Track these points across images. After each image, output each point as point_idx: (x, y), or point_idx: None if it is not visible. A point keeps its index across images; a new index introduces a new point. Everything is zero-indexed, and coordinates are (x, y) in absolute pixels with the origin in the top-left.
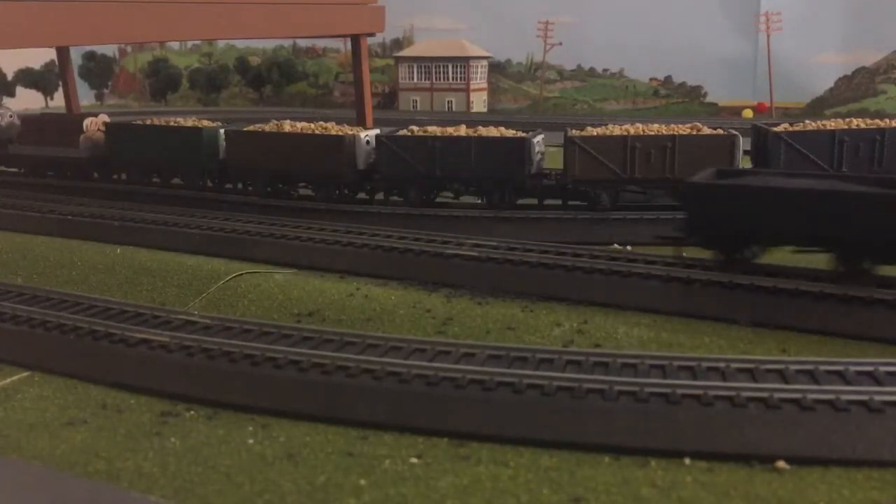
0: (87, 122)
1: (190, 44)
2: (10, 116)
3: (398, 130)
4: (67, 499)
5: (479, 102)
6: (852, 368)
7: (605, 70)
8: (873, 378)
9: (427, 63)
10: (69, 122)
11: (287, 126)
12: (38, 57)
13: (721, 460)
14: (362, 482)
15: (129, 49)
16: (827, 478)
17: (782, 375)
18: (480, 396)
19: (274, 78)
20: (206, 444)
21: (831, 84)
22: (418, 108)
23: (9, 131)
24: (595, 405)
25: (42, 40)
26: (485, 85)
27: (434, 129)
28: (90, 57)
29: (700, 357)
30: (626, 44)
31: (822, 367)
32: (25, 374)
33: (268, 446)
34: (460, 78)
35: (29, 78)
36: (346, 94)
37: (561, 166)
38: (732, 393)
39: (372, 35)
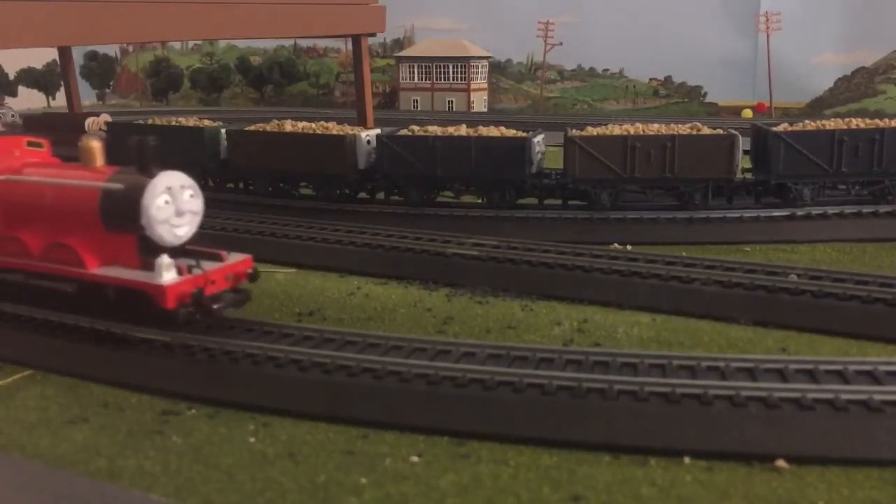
0: (88, 121)
1: (191, 44)
2: (13, 116)
3: (399, 130)
4: (69, 497)
5: (480, 102)
6: (851, 367)
7: (605, 70)
8: (873, 377)
9: (428, 63)
10: (71, 121)
11: (288, 126)
12: (40, 56)
13: (721, 459)
14: (363, 480)
15: (130, 49)
16: (826, 477)
17: (782, 374)
18: (481, 395)
19: (275, 78)
20: (208, 442)
21: (831, 84)
22: (419, 108)
23: (11, 130)
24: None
25: (44, 40)
26: (485, 85)
27: (434, 129)
28: (92, 56)
29: (700, 356)
30: (627, 44)
31: (822, 367)
32: (27, 372)
33: (269, 445)
34: (461, 78)
35: (31, 77)
36: (347, 94)
37: (561, 166)
38: (732, 392)
39: (373, 35)
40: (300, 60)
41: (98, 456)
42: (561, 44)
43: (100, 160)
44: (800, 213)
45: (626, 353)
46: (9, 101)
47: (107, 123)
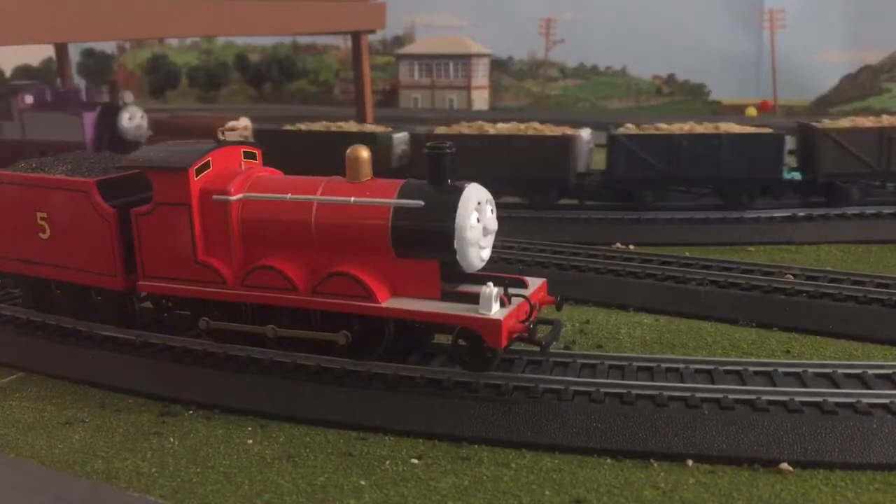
0: (227, 125)
1: (189, 40)
2: (141, 117)
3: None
4: (65, 498)
5: (481, 100)
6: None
7: (607, 68)
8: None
9: (428, 60)
10: (206, 126)
11: (491, 128)
12: (37, 53)
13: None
14: (362, 483)
15: (127, 46)
16: (830, 480)
17: (800, 379)
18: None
19: (274, 75)
20: (205, 444)
21: (836, 82)
22: (419, 106)
23: (137, 133)
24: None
25: (40, 37)
26: (486, 83)
27: (487, 126)
28: (89, 54)
29: (716, 360)
30: (629, 41)
31: (841, 371)
32: (23, 373)
33: (267, 447)
34: (461, 75)
35: (27, 74)
36: (346, 91)
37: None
38: (753, 396)
39: (372, 32)
40: (299, 58)
41: (95, 457)
42: (563, 41)
43: (369, 172)
44: (801, 213)
45: (643, 357)
46: None
47: (255, 130)
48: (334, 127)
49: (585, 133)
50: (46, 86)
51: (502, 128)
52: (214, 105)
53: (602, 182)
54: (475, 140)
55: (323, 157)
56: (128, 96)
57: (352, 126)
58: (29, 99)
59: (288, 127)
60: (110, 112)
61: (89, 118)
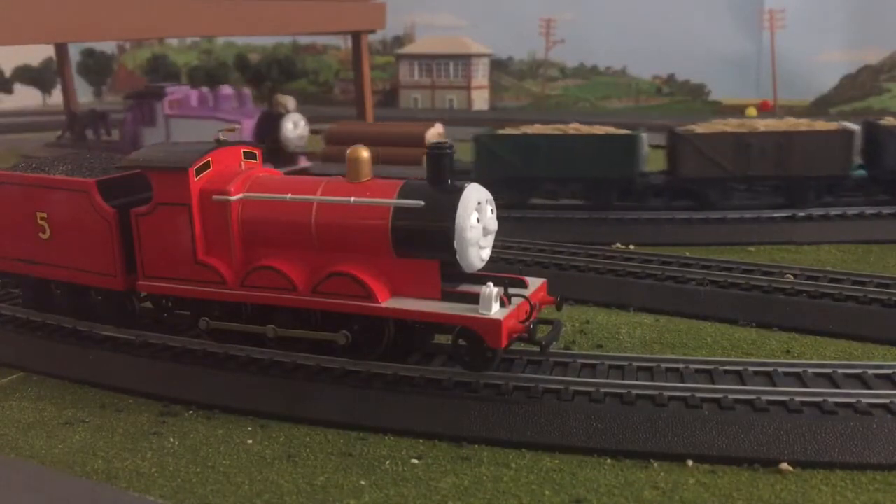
0: (429, 133)
1: (189, 40)
2: (304, 126)
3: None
4: (65, 499)
5: (481, 100)
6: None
7: (607, 68)
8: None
9: (428, 60)
10: (405, 134)
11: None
12: (37, 53)
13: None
14: (362, 483)
15: (127, 46)
16: (831, 480)
17: (800, 379)
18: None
19: (274, 75)
20: (205, 443)
21: (836, 82)
22: (419, 106)
23: (299, 143)
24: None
25: (40, 37)
26: (486, 83)
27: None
28: (89, 53)
29: (716, 360)
30: (629, 41)
31: (841, 371)
32: (23, 373)
33: (267, 446)
34: (461, 75)
35: (27, 75)
36: (346, 91)
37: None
38: (753, 396)
39: (372, 32)
40: (299, 58)
41: (95, 457)
42: (563, 41)
43: (369, 172)
44: (801, 213)
45: (643, 357)
46: (4, 99)
47: (477, 137)
48: (571, 129)
49: (855, 126)
50: (192, 88)
51: (770, 124)
52: None
53: (870, 177)
54: (753, 138)
55: (570, 162)
56: (290, 103)
57: (588, 129)
58: (175, 104)
59: (501, 132)
60: (270, 119)
61: (248, 126)
